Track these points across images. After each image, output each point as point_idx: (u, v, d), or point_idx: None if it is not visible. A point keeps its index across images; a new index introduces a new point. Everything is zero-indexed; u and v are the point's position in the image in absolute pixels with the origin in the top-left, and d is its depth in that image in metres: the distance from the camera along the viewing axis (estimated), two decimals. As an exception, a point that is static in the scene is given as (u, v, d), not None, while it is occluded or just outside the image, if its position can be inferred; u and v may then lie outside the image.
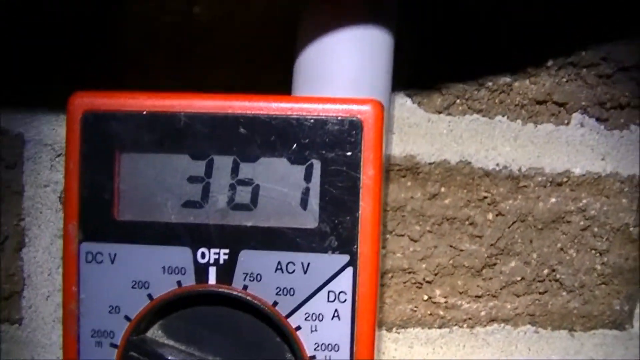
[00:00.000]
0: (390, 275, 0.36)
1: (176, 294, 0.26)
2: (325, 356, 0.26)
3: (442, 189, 0.36)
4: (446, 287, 0.36)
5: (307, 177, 0.26)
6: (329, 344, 0.26)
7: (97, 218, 0.26)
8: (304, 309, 0.26)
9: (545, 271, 0.38)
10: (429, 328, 0.37)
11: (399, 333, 0.36)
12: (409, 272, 0.36)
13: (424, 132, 0.36)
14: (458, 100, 0.36)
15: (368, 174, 0.25)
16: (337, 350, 0.26)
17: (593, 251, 0.38)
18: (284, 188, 0.26)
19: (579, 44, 0.37)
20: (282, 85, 0.31)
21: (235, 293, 0.26)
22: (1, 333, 0.34)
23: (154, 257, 0.26)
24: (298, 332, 0.26)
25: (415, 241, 0.36)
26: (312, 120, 0.26)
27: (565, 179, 0.37)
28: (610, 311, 0.39)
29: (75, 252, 0.27)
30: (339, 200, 0.25)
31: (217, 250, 0.26)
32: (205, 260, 0.26)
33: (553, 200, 0.37)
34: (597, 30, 0.37)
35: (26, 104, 0.34)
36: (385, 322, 0.36)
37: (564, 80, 0.37)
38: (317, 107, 0.26)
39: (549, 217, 0.37)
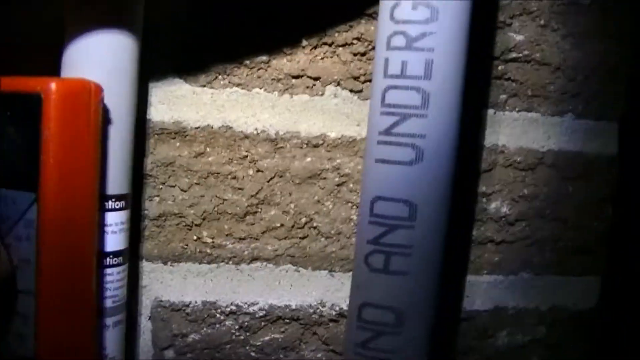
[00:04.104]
0: (163, 218, 0.44)
1: None
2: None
3: (207, 149, 0.44)
4: (213, 229, 0.44)
5: (8, 136, 0.35)
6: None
7: None
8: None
9: (303, 219, 0.44)
10: (199, 263, 0.45)
11: (173, 266, 0.45)
12: (180, 216, 0.44)
13: (190, 102, 0.43)
14: (220, 76, 0.43)
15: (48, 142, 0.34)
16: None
17: (349, 204, 0.44)
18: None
19: (334, 25, 0.43)
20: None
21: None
22: None
23: None
24: (9, 249, 0.35)
25: (185, 191, 0.44)
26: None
27: (321, 142, 0.44)
28: (369, 256, 0.45)
29: None
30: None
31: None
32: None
33: (309, 159, 0.44)
34: (350, 13, 0.43)
35: None
36: (161, 256, 0.45)
37: (319, 57, 0.43)
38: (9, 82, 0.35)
39: (305, 173, 0.44)
